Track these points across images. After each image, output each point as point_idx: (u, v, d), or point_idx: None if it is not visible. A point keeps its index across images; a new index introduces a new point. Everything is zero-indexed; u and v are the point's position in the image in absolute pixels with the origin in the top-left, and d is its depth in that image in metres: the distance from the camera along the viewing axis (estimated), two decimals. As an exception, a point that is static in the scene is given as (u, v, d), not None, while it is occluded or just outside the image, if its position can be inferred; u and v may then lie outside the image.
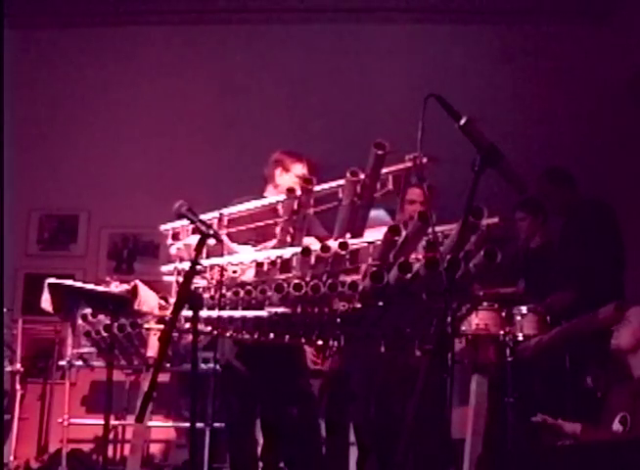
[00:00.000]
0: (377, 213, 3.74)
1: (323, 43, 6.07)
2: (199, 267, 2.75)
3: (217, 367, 3.80)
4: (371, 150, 2.74)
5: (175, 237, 3.17)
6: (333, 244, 2.77)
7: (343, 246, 2.75)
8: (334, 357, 4.12)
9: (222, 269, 2.97)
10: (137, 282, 3.34)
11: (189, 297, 2.79)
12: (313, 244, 2.93)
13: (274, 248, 3.05)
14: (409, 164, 2.85)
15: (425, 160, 2.77)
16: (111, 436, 5.40)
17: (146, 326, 3.32)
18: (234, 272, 3.01)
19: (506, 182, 2.27)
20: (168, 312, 3.11)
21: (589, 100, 5.72)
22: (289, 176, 3.73)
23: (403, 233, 2.68)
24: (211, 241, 2.78)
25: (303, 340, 3.06)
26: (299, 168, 3.73)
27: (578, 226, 4.42)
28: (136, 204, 5.86)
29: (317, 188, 2.94)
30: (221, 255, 2.97)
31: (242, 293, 2.96)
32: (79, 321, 3.45)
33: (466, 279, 2.62)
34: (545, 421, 3.27)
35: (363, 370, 4.00)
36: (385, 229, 2.74)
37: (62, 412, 5.10)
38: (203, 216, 2.93)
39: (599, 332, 3.52)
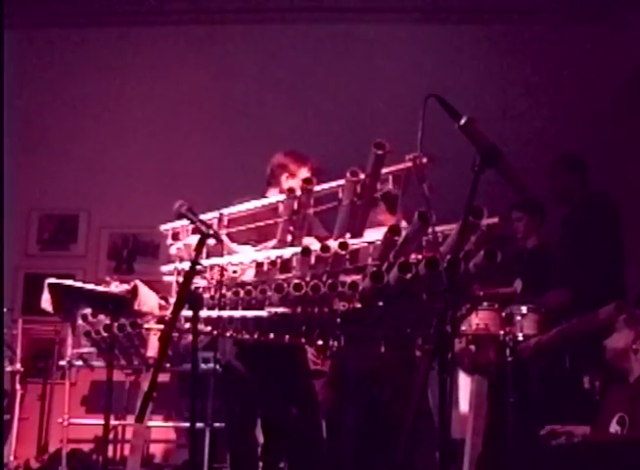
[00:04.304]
0: None
1: (324, 44, 6.08)
2: (199, 267, 2.75)
3: (217, 367, 3.80)
4: (371, 150, 2.74)
5: (175, 237, 3.17)
6: (333, 244, 2.77)
7: (343, 246, 2.75)
8: (334, 357, 4.11)
9: (222, 269, 2.97)
10: (137, 282, 3.34)
11: (189, 297, 2.78)
12: (313, 244, 2.93)
13: (274, 248, 3.05)
14: (409, 163, 2.86)
15: (425, 160, 2.77)
16: (111, 436, 5.39)
17: (146, 326, 3.32)
18: (234, 272, 3.01)
19: (506, 182, 2.27)
20: (168, 312, 3.11)
21: (589, 99, 5.72)
22: (295, 182, 3.69)
23: (403, 233, 2.68)
24: (211, 241, 2.78)
25: (303, 340, 3.06)
26: (305, 173, 3.70)
27: (579, 224, 4.41)
28: (136, 204, 5.86)
29: (317, 188, 2.94)
30: (221, 255, 2.97)
31: (242, 293, 2.96)
32: (79, 321, 3.46)
33: (466, 279, 2.62)
34: (554, 431, 3.24)
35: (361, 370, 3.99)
36: (385, 229, 2.74)
37: (62, 412, 5.09)
38: (203, 216, 2.93)
39: (599, 332, 3.51)
